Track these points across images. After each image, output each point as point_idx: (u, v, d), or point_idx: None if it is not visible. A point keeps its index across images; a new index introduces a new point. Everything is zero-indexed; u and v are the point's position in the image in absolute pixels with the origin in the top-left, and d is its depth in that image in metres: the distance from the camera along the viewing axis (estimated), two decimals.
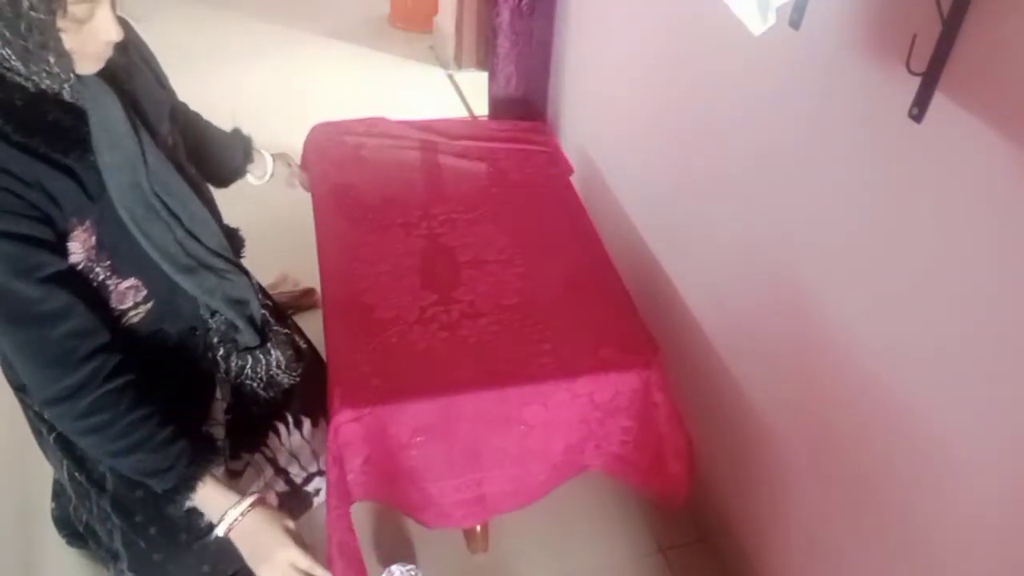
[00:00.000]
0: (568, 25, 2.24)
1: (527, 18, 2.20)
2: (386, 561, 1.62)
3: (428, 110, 3.12)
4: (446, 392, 1.29)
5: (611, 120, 2.06)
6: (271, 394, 1.40)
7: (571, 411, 1.36)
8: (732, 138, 1.47)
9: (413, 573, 1.58)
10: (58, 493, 1.60)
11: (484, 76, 2.50)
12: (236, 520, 1.15)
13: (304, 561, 1.18)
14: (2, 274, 0.99)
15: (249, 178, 1.61)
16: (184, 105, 1.43)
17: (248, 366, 1.38)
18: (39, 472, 1.65)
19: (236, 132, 1.58)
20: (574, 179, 1.90)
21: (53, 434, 1.28)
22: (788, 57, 1.26)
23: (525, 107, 2.31)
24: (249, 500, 1.16)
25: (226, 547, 1.26)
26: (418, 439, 1.31)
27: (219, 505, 1.16)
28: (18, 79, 0.97)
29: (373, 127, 1.97)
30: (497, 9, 2.18)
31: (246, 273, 1.33)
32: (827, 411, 1.29)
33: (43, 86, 0.97)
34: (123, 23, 1.08)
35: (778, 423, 1.44)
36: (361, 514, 1.72)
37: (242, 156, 1.57)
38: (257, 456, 1.36)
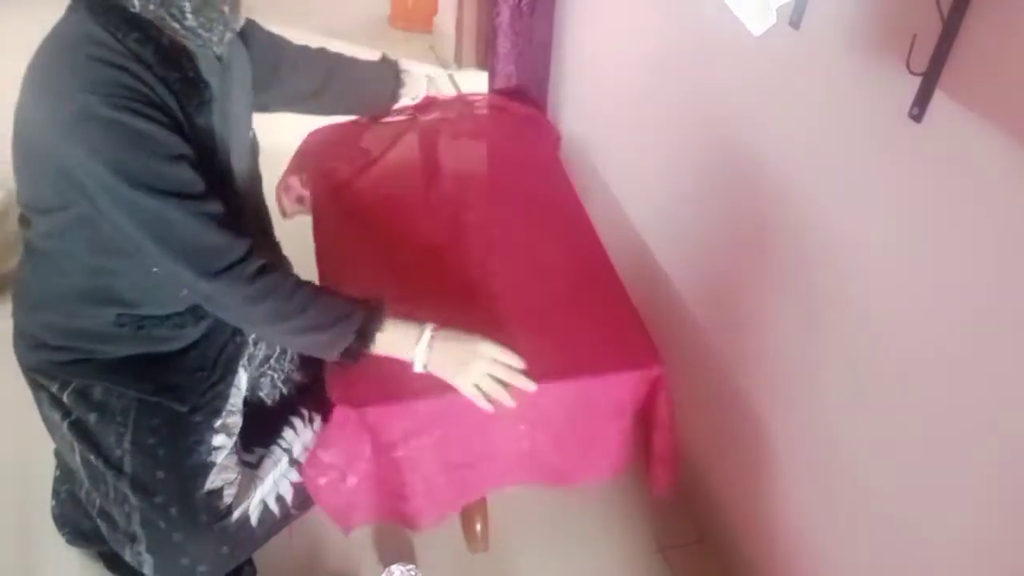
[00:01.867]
0: (568, 25, 2.24)
1: (527, 18, 2.20)
2: (386, 561, 1.62)
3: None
4: (445, 392, 1.29)
5: (611, 120, 2.06)
6: (287, 389, 1.43)
7: (571, 412, 1.36)
8: (732, 138, 1.47)
9: (413, 573, 1.58)
10: (58, 492, 1.60)
11: (484, 76, 2.50)
12: (429, 348, 1.20)
13: (501, 353, 1.23)
14: (162, 159, 1.08)
15: (404, 100, 1.74)
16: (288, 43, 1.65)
17: (273, 356, 1.41)
18: (39, 472, 1.65)
19: (383, 62, 1.69)
20: (574, 180, 1.90)
21: (67, 420, 1.28)
22: (788, 57, 1.26)
23: (526, 97, 2.30)
24: (428, 329, 1.22)
25: (242, 529, 1.28)
26: (417, 438, 1.31)
27: (407, 336, 1.21)
28: (170, 32, 1.09)
29: (368, 128, 1.97)
30: (497, 9, 2.18)
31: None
32: (827, 412, 1.29)
33: (203, 40, 1.10)
34: None
35: (778, 424, 1.44)
36: None
37: (393, 81, 1.69)
38: (273, 447, 1.37)
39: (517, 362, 1.25)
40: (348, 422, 1.27)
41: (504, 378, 1.23)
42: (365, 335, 1.19)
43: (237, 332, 1.38)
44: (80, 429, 1.28)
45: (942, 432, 1.04)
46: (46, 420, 1.34)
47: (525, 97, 2.11)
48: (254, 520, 1.31)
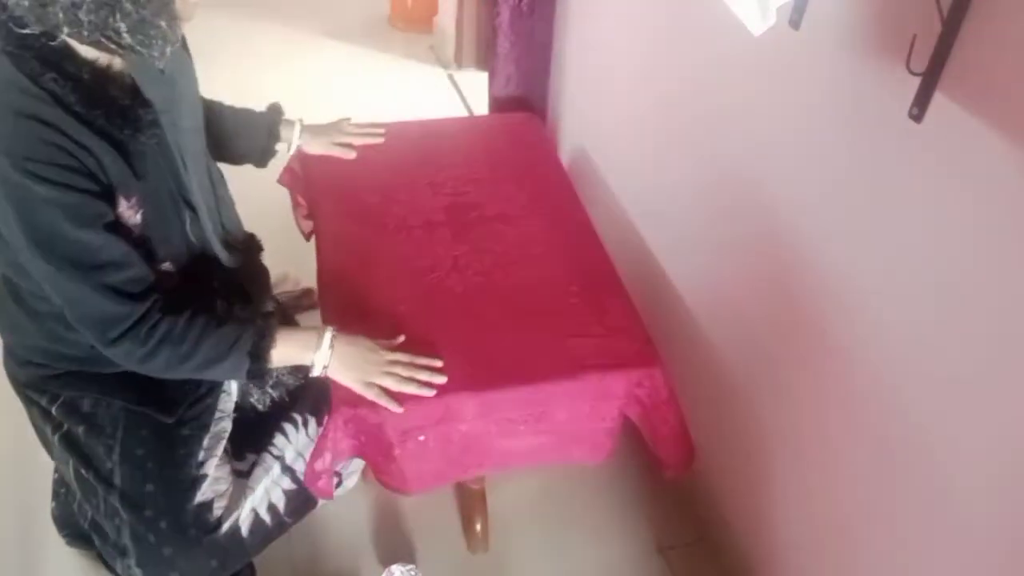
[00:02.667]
0: (568, 25, 2.24)
1: (527, 18, 2.20)
2: (386, 561, 1.62)
3: (428, 110, 3.12)
4: (445, 392, 1.29)
5: (611, 120, 2.06)
6: (277, 393, 1.42)
7: (570, 410, 1.37)
8: (732, 138, 1.47)
9: (413, 573, 1.58)
10: (58, 492, 1.60)
11: (484, 76, 2.50)
12: (330, 350, 1.22)
13: (400, 355, 1.26)
14: (68, 224, 1.05)
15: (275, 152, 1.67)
16: None
17: None
18: (39, 472, 1.65)
19: (264, 111, 1.63)
20: (574, 180, 1.90)
21: (58, 433, 1.28)
22: (788, 57, 1.26)
23: (525, 107, 2.30)
24: (328, 332, 1.23)
25: (232, 541, 1.28)
26: (418, 437, 1.31)
27: (304, 344, 1.23)
28: (96, 55, 1.05)
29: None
30: (497, 9, 2.18)
31: None
32: (826, 411, 1.29)
33: (140, 57, 1.04)
34: None
35: (778, 424, 1.44)
36: (361, 514, 1.72)
37: (266, 135, 1.62)
38: (264, 454, 1.37)
39: (422, 359, 1.27)
40: (348, 423, 1.28)
41: (405, 374, 1.24)
42: (259, 356, 1.20)
43: None
44: (71, 442, 1.28)
45: (943, 432, 1.04)
46: (39, 434, 1.34)
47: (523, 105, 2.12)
48: (244, 531, 1.30)
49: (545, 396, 1.33)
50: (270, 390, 1.44)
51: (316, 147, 1.70)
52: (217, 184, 1.37)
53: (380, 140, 1.77)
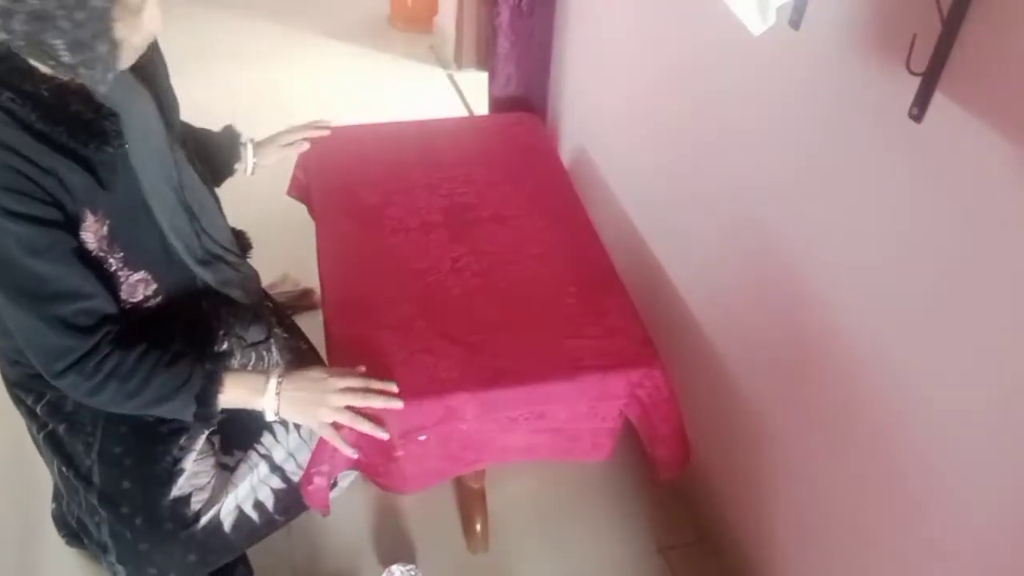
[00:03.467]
0: (568, 25, 2.24)
1: (527, 18, 2.20)
2: (386, 561, 1.62)
3: (428, 110, 3.12)
4: (445, 392, 1.29)
5: (611, 120, 2.06)
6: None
7: (570, 410, 1.37)
8: (732, 138, 1.47)
9: (413, 573, 1.58)
10: (58, 493, 1.60)
11: (484, 76, 2.50)
12: (277, 396, 1.18)
13: (353, 381, 1.22)
14: (19, 252, 1.01)
15: (237, 172, 1.59)
16: None
17: (251, 363, 1.40)
18: (39, 472, 1.65)
19: (224, 130, 1.57)
20: (574, 180, 1.90)
21: (43, 432, 1.29)
22: (788, 57, 1.26)
23: (525, 107, 2.31)
24: (273, 378, 1.19)
25: (213, 536, 1.27)
26: (419, 437, 1.31)
27: (253, 389, 1.20)
28: (51, 71, 1.00)
29: (368, 130, 1.97)
30: (497, 9, 2.18)
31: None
32: (827, 411, 1.29)
33: (84, 78, 1.00)
34: None
35: (778, 424, 1.44)
36: (361, 514, 1.72)
37: (228, 153, 1.56)
38: (250, 452, 1.36)
39: (376, 383, 1.24)
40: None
41: (360, 404, 1.22)
42: (206, 401, 1.17)
43: (212, 343, 1.35)
44: (54, 441, 1.28)
45: (943, 433, 1.04)
46: (29, 433, 1.34)
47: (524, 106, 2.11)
48: (227, 526, 1.30)
49: (545, 396, 1.33)
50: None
51: (269, 157, 1.61)
52: (195, 198, 1.29)
53: (327, 132, 1.70)
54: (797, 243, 1.31)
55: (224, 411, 1.20)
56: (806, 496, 1.39)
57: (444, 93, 3.33)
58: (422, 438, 1.31)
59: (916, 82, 0.98)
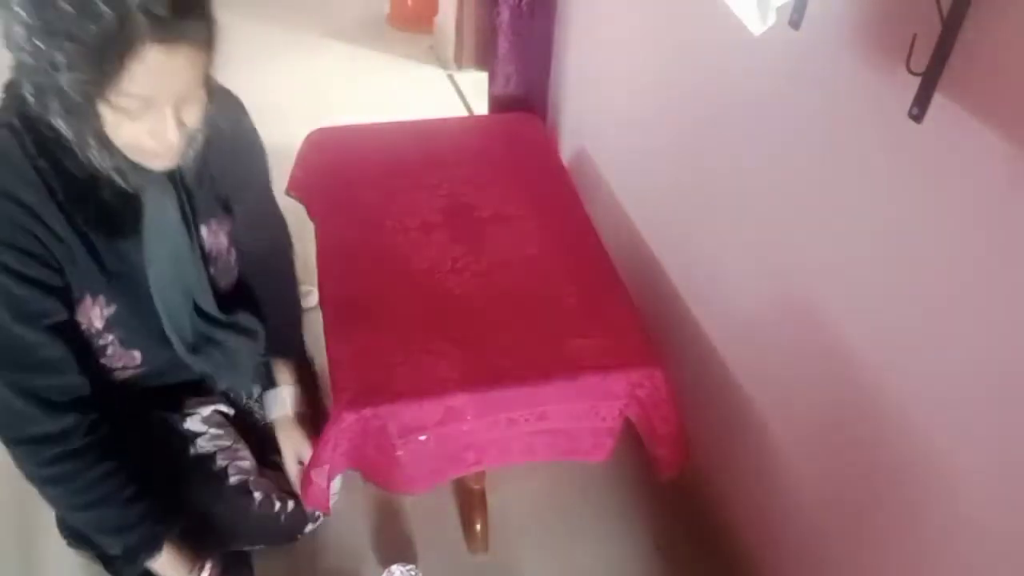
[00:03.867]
0: (568, 25, 2.24)
1: (527, 18, 2.20)
2: (386, 561, 1.62)
3: (428, 110, 3.12)
4: (445, 392, 1.29)
5: (611, 120, 2.06)
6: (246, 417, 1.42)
7: (570, 410, 1.37)
8: (732, 138, 1.47)
9: (413, 573, 1.58)
10: None
11: (484, 76, 2.50)
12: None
13: None
14: (8, 315, 0.99)
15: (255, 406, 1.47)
16: (282, 244, 1.44)
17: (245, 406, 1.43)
18: None
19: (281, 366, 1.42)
20: (575, 180, 1.90)
21: None
22: (788, 57, 1.26)
23: (525, 107, 2.31)
24: (207, 568, 1.19)
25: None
26: (419, 438, 1.31)
27: (178, 569, 1.18)
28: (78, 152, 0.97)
29: (367, 130, 1.98)
30: (497, 9, 2.18)
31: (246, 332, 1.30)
32: (827, 411, 1.29)
33: (96, 165, 0.97)
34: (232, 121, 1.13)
35: (778, 423, 1.44)
36: (361, 514, 1.72)
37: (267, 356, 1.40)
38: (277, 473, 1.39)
39: None
40: (350, 428, 1.27)
41: None
42: (131, 558, 1.15)
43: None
44: None
45: (943, 432, 1.04)
46: None
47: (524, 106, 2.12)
48: (258, 494, 1.33)
49: (545, 396, 1.33)
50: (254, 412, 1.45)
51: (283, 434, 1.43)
52: (195, 280, 1.20)
53: None
54: (796, 242, 1.31)
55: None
56: (806, 496, 1.39)
57: (444, 93, 3.33)
58: (422, 438, 1.31)
59: (916, 82, 0.98)
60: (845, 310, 1.21)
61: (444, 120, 2.15)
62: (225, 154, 1.17)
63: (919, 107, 0.99)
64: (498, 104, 2.35)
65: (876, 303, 1.14)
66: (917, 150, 1.02)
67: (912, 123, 1.01)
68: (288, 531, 1.42)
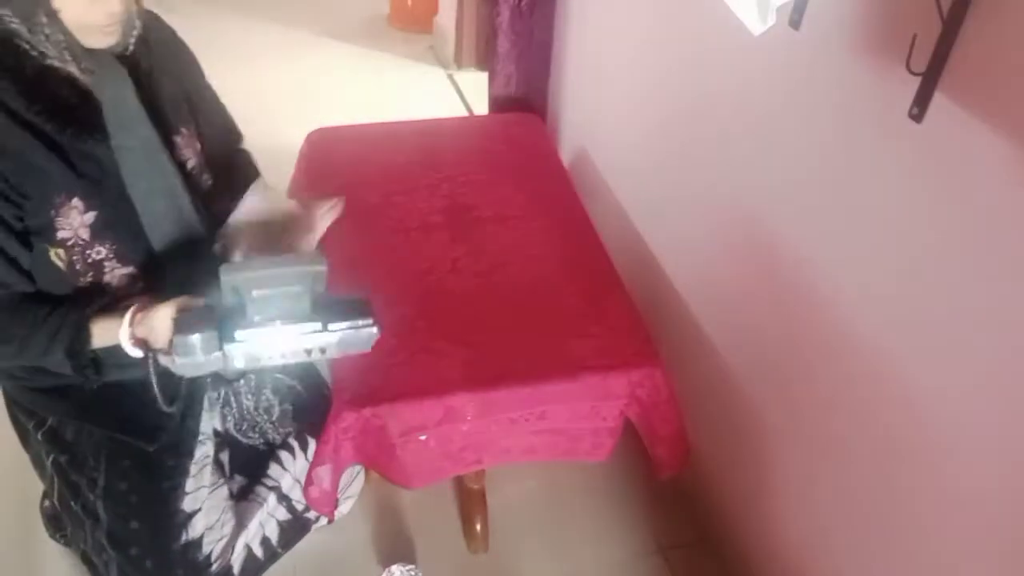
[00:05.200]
0: (568, 25, 2.24)
1: (527, 18, 2.20)
2: (386, 561, 1.62)
3: (428, 110, 3.12)
4: (445, 392, 1.29)
5: (611, 120, 2.06)
6: (253, 437, 1.39)
7: (571, 410, 1.37)
8: (732, 138, 1.47)
9: (413, 573, 1.58)
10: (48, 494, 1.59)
11: (484, 76, 2.50)
12: (131, 329, 1.06)
13: (187, 301, 1.05)
14: None
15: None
16: (243, 156, 1.39)
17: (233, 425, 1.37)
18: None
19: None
20: (574, 179, 1.90)
21: (51, 457, 1.26)
22: (788, 57, 1.26)
23: (525, 107, 2.31)
24: (128, 312, 1.07)
25: None
26: (420, 437, 1.31)
27: (112, 328, 1.08)
28: (27, 47, 0.97)
29: (368, 130, 1.98)
30: (497, 9, 2.18)
31: None
32: (827, 411, 1.29)
33: (48, 54, 0.98)
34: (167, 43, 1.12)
35: (778, 423, 1.44)
36: (361, 514, 1.72)
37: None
38: (258, 487, 1.36)
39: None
40: (350, 427, 1.27)
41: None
42: (75, 352, 1.09)
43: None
44: (59, 470, 1.25)
45: (942, 433, 1.05)
46: (30, 454, 1.32)
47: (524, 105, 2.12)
48: (236, 569, 1.29)
49: (545, 396, 1.33)
50: (255, 438, 1.41)
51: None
52: (174, 180, 1.17)
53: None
54: (797, 242, 1.31)
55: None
56: (806, 496, 1.39)
57: (444, 93, 3.33)
58: (422, 438, 1.31)
59: (916, 82, 0.98)
60: (846, 309, 1.21)
61: (444, 120, 2.15)
62: (172, 58, 1.19)
63: (919, 107, 0.99)
64: (498, 104, 2.35)
65: (877, 302, 1.14)
66: (917, 150, 1.02)
67: (912, 123, 1.01)
68: (293, 545, 1.41)
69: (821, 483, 1.33)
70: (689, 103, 1.63)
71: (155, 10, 1.20)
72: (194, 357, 0.97)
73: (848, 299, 1.20)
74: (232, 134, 1.37)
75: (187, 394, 1.27)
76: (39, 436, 1.25)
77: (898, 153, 1.06)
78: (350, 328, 1.01)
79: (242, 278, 0.97)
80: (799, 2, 1.20)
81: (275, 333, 0.98)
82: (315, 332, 1.00)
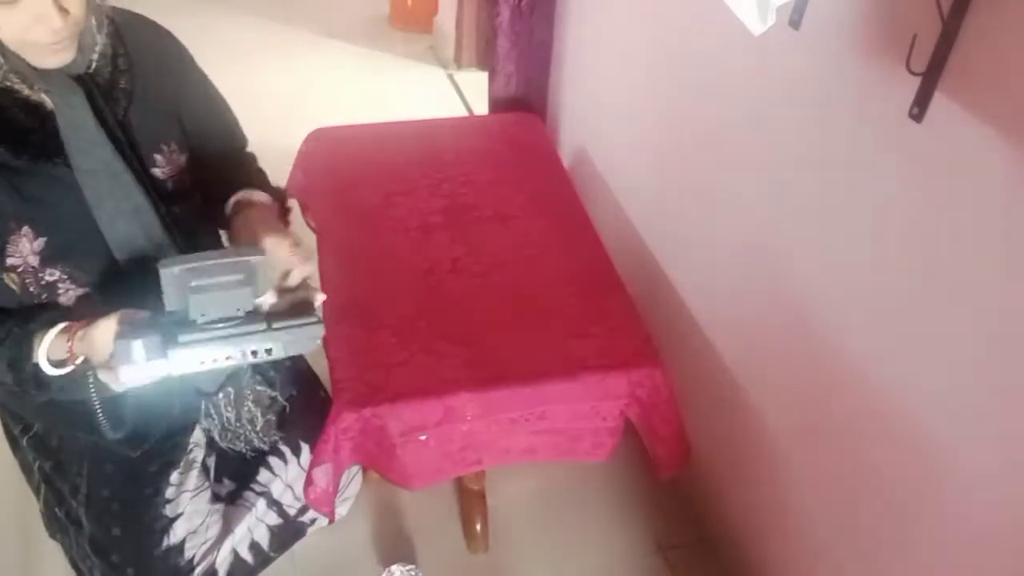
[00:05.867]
0: (568, 25, 2.24)
1: (527, 18, 2.20)
2: (386, 561, 1.62)
3: (428, 110, 3.12)
4: (445, 392, 1.29)
5: (611, 120, 2.06)
6: (238, 446, 1.35)
7: (571, 410, 1.37)
8: (732, 138, 1.47)
9: (413, 573, 1.58)
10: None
11: (484, 76, 2.50)
12: (68, 344, 1.01)
13: (130, 313, 1.01)
14: None
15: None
16: (247, 157, 1.33)
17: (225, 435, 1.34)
18: None
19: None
20: (574, 180, 1.90)
21: (37, 463, 1.25)
22: (788, 57, 1.26)
23: (525, 107, 2.31)
24: (60, 327, 1.02)
25: None
26: (419, 437, 1.31)
27: (59, 348, 1.03)
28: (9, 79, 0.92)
29: (368, 130, 1.98)
30: (497, 9, 2.18)
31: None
32: (826, 412, 1.29)
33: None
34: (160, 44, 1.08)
35: (778, 423, 1.44)
36: (361, 514, 1.72)
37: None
38: (246, 492, 1.35)
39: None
40: (350, 428, 1.27)
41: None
42: (17, 367, 1.04)
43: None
44: (44, 476, 1.25)
45: (941, 433, 1.04)
46: (18, 459, 1.31)
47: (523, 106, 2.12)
48: (222, 573, 1.28)
49: (545, 396, 1.33)
50: (244, 446, 1.36)
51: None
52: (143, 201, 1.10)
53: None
54: (796, 242, 1.31)
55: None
56: (806, 496, 1.39)
57: (444, 93, 3.33)
58: (422, 438, 1.31)
59: (916, 82, 0.98)
60: (846, 310, 1.21)
61: (444, 120, 2.15)
62: (154, 65, 1.12)
63: (919, 107, 0.99)
64: (498, 104, 2.35)
65: (877, 303, 1.14)
66: (917, 150, 1.02)
67: (912, 123, 1.01)
68: (288, 548, 1.40)
69: (820, 482, 1.33)
70: (689, 103, 1.63)
71: (152, 10, 1.16)
72: (137, 363, 0.94)
73: (847, 298, 1.20)
74: (234, 138, 1.32)
75: (183, 410, 1.25)
76: (25, 442, 1.25)
77: (898, 153, 1.06)
78: (295, 326, 0.99)
79: (179, 269, 0.94)
80: (799, 2, 1.20)
81: (218, 335, 0.96)
82: (259, 332, 0.97)
